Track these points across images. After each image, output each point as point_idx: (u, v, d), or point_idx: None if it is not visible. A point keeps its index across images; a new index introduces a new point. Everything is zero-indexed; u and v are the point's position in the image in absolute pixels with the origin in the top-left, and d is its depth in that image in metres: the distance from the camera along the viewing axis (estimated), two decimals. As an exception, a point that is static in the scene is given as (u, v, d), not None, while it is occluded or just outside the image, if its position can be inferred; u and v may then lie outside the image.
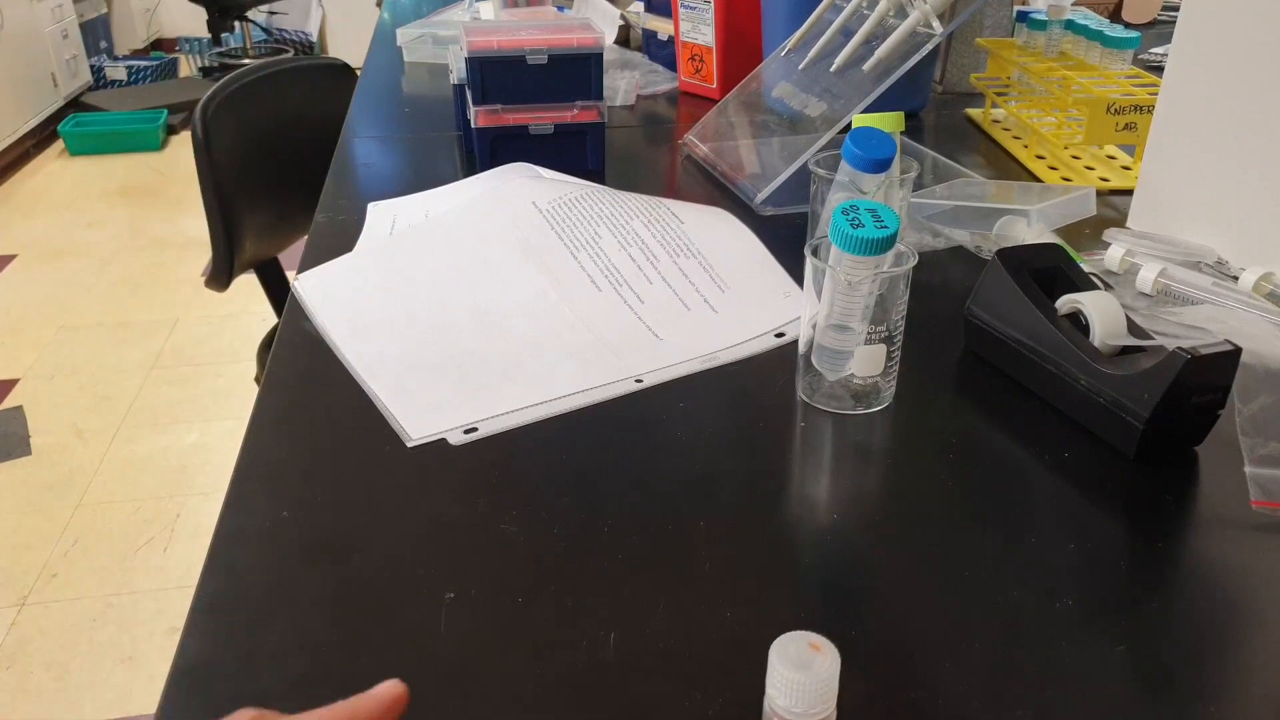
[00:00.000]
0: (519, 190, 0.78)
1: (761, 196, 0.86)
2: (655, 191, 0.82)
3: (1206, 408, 0.54)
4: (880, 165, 0.64)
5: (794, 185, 0.83)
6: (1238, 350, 0.52)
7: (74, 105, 3.82)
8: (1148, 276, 0.70)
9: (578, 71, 0.93)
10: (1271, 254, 0.71)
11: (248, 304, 1.50)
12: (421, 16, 1.63)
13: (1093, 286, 0.60)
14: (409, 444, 0.56)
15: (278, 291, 1.39)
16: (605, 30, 1.33)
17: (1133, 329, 0.56)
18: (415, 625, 0.40)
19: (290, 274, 0.80)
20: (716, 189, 0.94)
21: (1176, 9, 0.78)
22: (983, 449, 0.56)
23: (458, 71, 1.01)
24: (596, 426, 0.58)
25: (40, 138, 3.59)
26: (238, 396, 2.10)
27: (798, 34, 0.98)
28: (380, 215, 0.84)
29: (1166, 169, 0.79)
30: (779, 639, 0.33)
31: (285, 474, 0.54)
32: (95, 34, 4.22)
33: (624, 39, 1.49)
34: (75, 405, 2.07)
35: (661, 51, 1.36)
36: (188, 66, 4.51)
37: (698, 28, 1.20)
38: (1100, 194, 0.87)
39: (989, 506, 0.51)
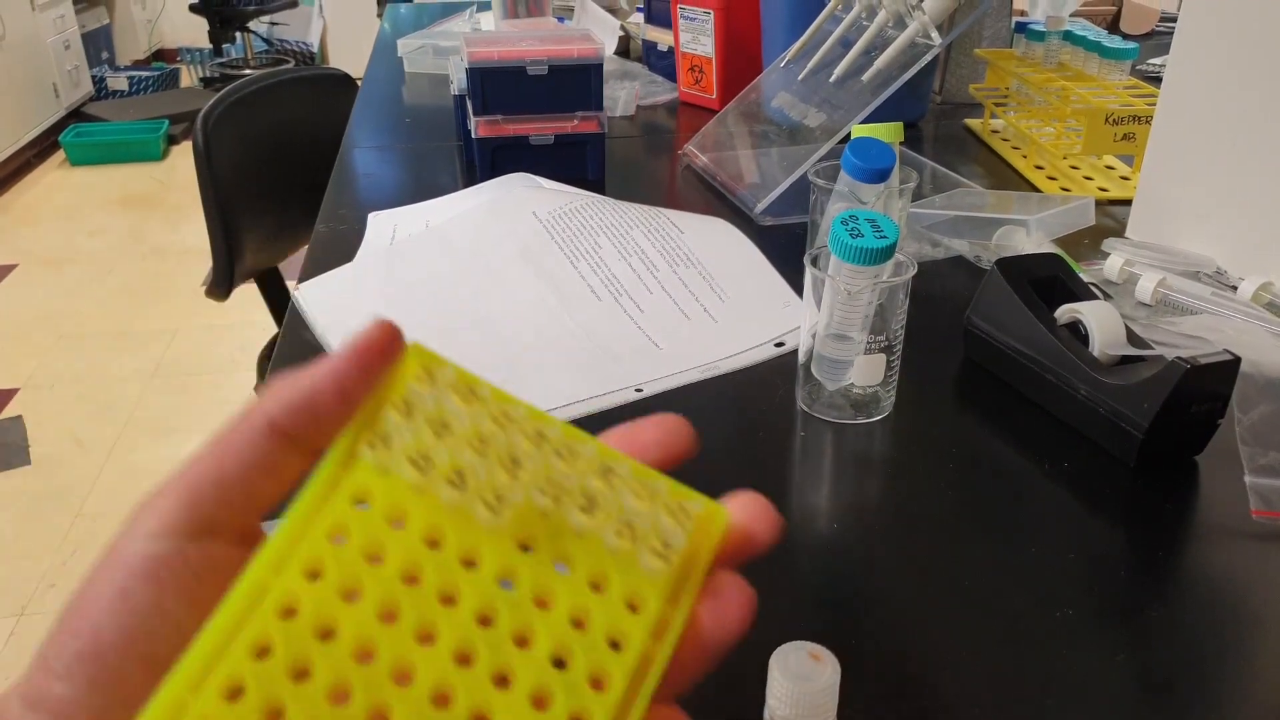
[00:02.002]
0: (519, 200, 0.78)
1: (761, 206, 0.87)
2: (655, 201, 0.82)
3: (1206, 417, 0.54)
4: (879, 175, 0.65)
5: (793, 195, 0.83)
6: (1237, 360, 0.52)
7: (75, 115, 3.82)
8: (1147, 286, 0.70)
9: (578, 82, 0.93)
10: (1270, 263, 0.71)
11: (248, 313, 1.50)
12: (422, 27, 1.64)
13: (1092, 296, 0.60)
14: (409, 453, 0.56)
15: (278, 301, 1.40)
16: (605, 41, 1.33)
17: (1132, 339, 0.56)
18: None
19: (290, 284, 0.80)
20: (716, 199, 0.94)
21: (1174, 20, 0.79)
22: (983, 458, 0.56)
23: (458, 82, 1.02)
24: (596, 435, 0.58)
25: (41, 148, 3.60)
26: (238, 406, 2.09)
27: (797, 44, 0.99)
28: (380, 225, 0.85)
29: (1165, 179, 0.79)
30: (779, 649, 0.33)
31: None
32: (97, 44, 4.23)
33: (624, 49, 1.49)
34: (75, 414, 2.07)
35: (661, 62, 1.36)
36: (189, 77, 4.52)
37: (697, 38, 1.21)
38: (1099, 204, 0.87)
39: (989, 515, 0.51)
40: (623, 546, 0.22)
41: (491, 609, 0.21)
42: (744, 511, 0.24)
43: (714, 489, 0.56)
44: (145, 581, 0.21)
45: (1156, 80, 0.84)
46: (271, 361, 0.66)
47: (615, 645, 0.21)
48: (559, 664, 0.20)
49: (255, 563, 0.20)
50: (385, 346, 0.22)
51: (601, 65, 0.93)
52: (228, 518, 0.22)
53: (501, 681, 0.20)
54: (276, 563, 0.20)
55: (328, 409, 0.22)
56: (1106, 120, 0.91)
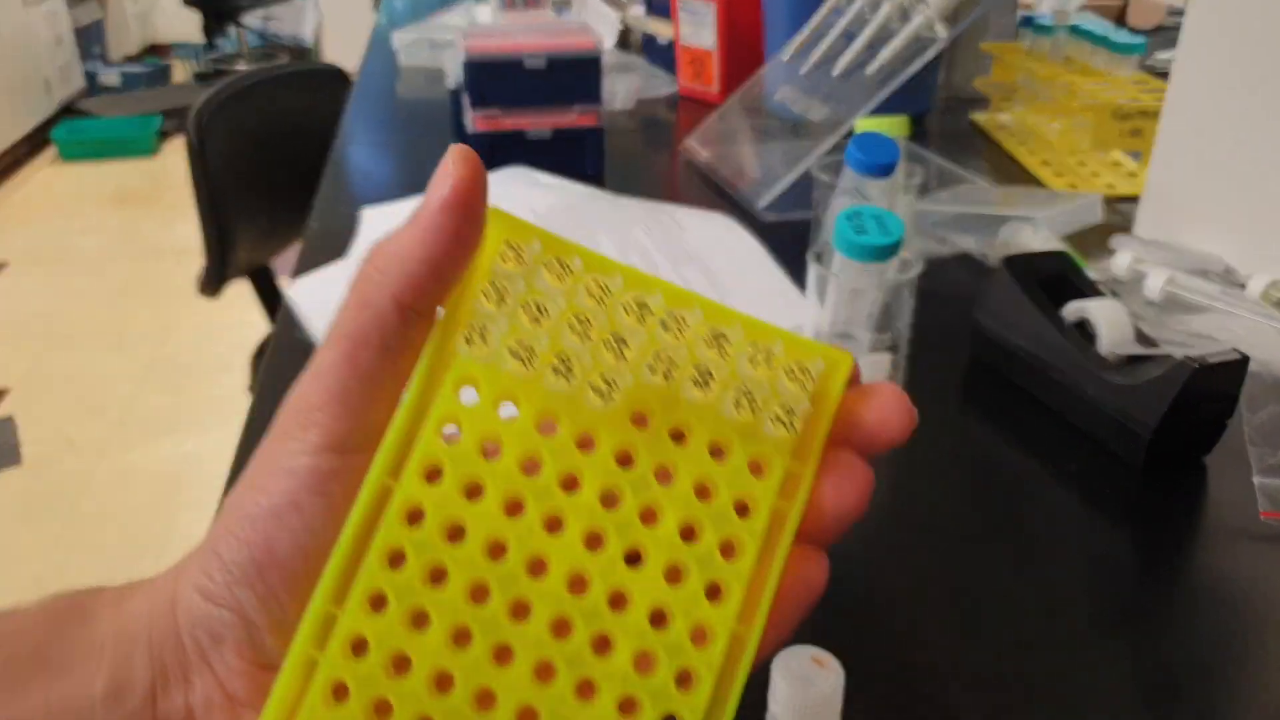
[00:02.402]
0: (517, 195, 0.77)
1: (764, 202, 0.86)
2: (656, 197, 0.81)
3: (1214, 417, 0.53)
4: (884, 170, 0.63)
5: (796, 191, 0.83)
6: (1245, 359, 0.51)
7: (67, 111, 3.81)
8: (1155, 284, 0.69)
9: (576, 75, 0.92)
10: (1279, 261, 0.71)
11: (241, 313, 1.49)
12: (418, 20, 1.62)
13: (1099, 294, 0.59)
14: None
15: (270, 300, 1.39)
16: (604, 34, 1.32)
17: (1140, 337, 0.56)
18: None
19: (283, 279, 0.79)
20: (718, 194, 0.93)
21: (1182, 13, 0.78)
22: (989, 459, 0.55)
23: (454, 76, 1.01)
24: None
25: (33, 144, 3.58)
26: (231, 405, 2.08)
27: (800, 37, 0.98)
28: (375, 221, 0.84)
29: (1173, 175, 0.78)
30: (781, 654, 0.33)
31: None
32: (89, 39, 4.21)
33: (623, 42, 1.48)
34: (67, 415, 2.05)
35: (662, 55, 1.35)
36: (182, 72, 4.50)
37: (698, 31, 1.20)
38: (1106, 200, 0.86)
39: (995, 517, 0.51)
40: (743, 418, 0.21)
41: (615, 489, 0.20)
42: (878, 403, 0.22)
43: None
44: (316, 495, 0.21)
45: (1164, 75, 0.83)
46: (264, 360, 0.65)
47: (743, 510, 0.20)
48: (688, 535, 0.20)
49: (373, 468, 0.20)
50: (479, 188, 0.21)
51: (600, 58, 0.92)
52: (382, 415, 0.21)
53: (633, 560, 0.20)
54: (393, 466, 0.20)
55: (449, 272, 0.21)
56: (1114, 116, 0.90)
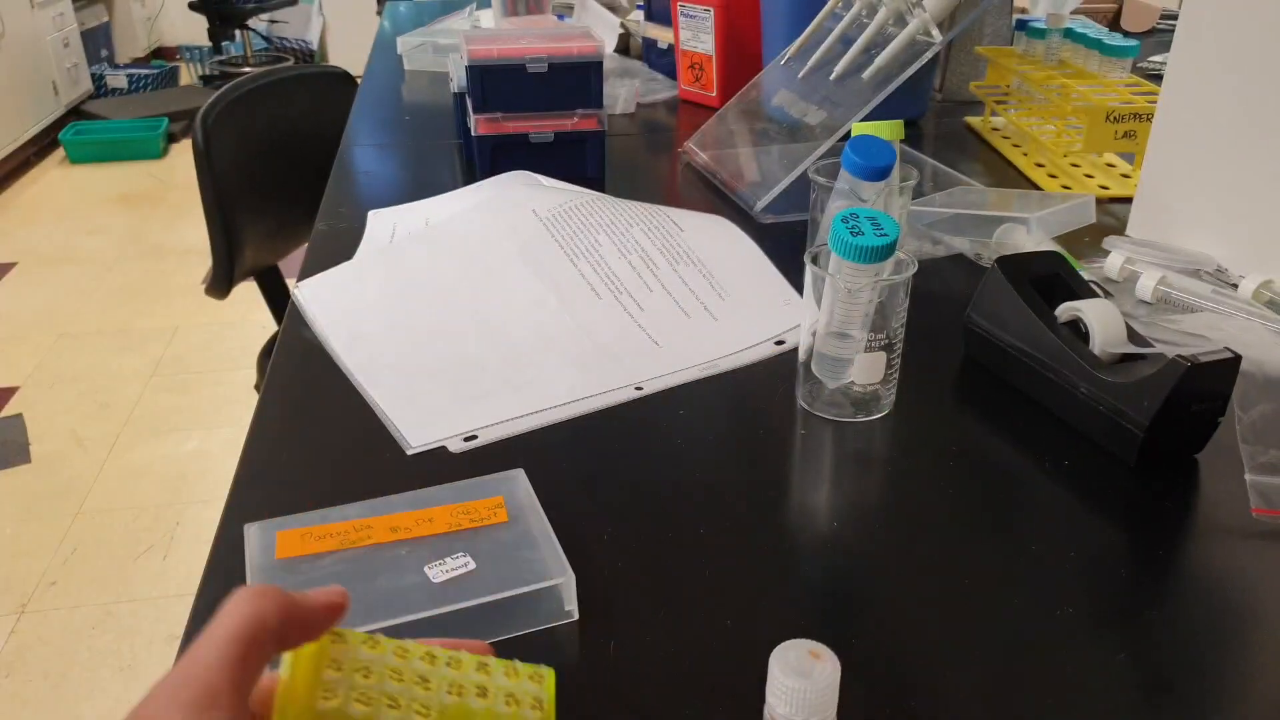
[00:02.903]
0: (519, 198, 0.78)
1: (761, 204, 0.86)
2: (655, 199, 0.82)
3: (1206, 415, 0.53)
4: (880, 173, 0.64)
5: (794, 193, 0.83)
6: (1237, 358, 0.52)
7: (75, 113, 3.82)
8: (1147, 284, 0.70)
9: (578, 80, 0.93)
10: (1270, 261, 0.71)
11: (248, 312, 1.50)
12: (422, 25, 1.63)
13: (1092, 294, 0.60)
14: (409, 451, 0.56)
15: (278, 299, 1.39)
16: (605, 38, 1.33)
17: (1132, 337, 0.56)
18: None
19: (290, 281, 0.80)
20: (716, 197, 0.94)
21: (1175, 17, 0.78)
22: (983, 457, 0.56)
23: (458, 80, 1.02)
24: (596, 434, 0.58)
25: (41, 146, 3.59)
26: (238, 404, 2.09)
27: (797, 42, 0.99)
28: (380, 223, 0.85)
29: (1166, 177, 0.79)
30: (779, 647, 0.33)
31: (285, 482, 0.54)
32: (96, 42, 4.22)
33: (624, 47, 1.49)
34: (75, 413, 2.07)
35: (661, 60, 1.36)
36: (188, 75, 4.51)
37: (697, 36, 1.21)
38: (1100, 202, 0.87)
39: (989, 515, 0.51)
40: (511, 711, 0.30)
41: None
42: None
43: (714, 488, 0.56)
44: None
45: (1157, 78, 0.83)
46: (272, 359, 0.66)
47: None
48: None
49: None
50: (337, 607, 0.30)
51: (601, 63, 0.93)
52: None
53: None
54: None
55: (303, 629, 0.28)
56: (1107, 118, 0.91)
